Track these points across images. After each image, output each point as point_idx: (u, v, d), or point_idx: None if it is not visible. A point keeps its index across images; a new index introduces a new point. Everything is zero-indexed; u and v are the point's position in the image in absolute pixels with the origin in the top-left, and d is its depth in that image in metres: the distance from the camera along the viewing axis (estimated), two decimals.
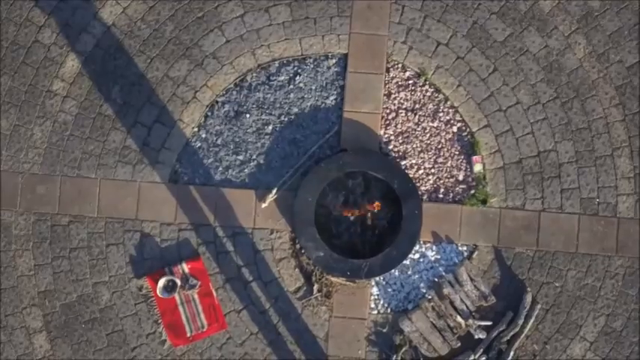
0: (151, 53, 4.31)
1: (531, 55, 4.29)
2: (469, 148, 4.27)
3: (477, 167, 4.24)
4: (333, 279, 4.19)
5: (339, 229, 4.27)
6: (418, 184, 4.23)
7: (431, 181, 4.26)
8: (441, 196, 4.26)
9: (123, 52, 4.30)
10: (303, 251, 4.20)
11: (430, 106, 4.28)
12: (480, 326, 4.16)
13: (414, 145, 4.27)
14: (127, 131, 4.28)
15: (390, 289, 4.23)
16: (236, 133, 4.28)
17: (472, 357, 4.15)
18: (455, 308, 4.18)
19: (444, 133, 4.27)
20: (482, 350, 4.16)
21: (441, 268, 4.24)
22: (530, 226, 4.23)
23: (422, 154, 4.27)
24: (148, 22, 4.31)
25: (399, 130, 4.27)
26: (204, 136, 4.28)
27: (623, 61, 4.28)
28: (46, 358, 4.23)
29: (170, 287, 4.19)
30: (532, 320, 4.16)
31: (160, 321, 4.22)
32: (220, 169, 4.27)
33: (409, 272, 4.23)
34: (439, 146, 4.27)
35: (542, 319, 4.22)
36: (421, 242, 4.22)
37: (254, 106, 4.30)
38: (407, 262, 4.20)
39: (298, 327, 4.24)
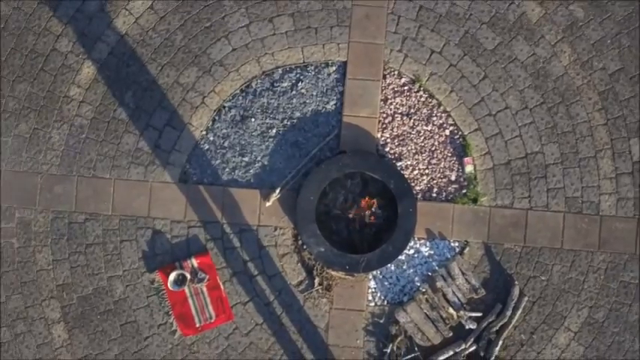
0: (162, 61, 4.57)
1: (519, 63, 4.56)
2: (461, 150, 4.54)
3: (468, 168, 4.51)
4: (333, 273, 4.46)
5: (338, 226, 4.54)
6: (413, 184, 4.49)
7: (425, 181, 4.53)
8: (434, 195, 4.53)
9: (135, 59, 4.57)
10: (304, 247, 4.47)
11: (424, 110, 4.54)
12: (470, 317, 4.43)
13: (409, 148, 4.53)
14: (140, 134, 4.55)
15: (386, 283, 4.50)
16: (242, 136, 4.55)
17: (463, 346, 4.43)
18: (447, 300, 4.45)
19: (437, 136, 4.54)
20: (472, 340, 4.44)
21: (434, 263, 4.51)
22: (518, 223, 4.50)
23: (416, 156, 4.54)
24: (159, 32, 4.57)
25: (395, 134, 4.54)
26: (212, 138, 4.55)
27: (606, 69, 4.54)
28: (64, 347, 4.51)
29: (180, 281, 4.47)
30: (519, 312, 4.43)
31: (170, 312, 4.49)
32: (227, 169, 4.54)
33: (404, 267, 4.50)
34: (433, 148, 4.54)
35: (529, 311, 4.49)
36: (415, 239, 4.49)
37: (259, 110, 4.56)
38: (402, 257, 4.47)
39: (300, 318, 4.51)
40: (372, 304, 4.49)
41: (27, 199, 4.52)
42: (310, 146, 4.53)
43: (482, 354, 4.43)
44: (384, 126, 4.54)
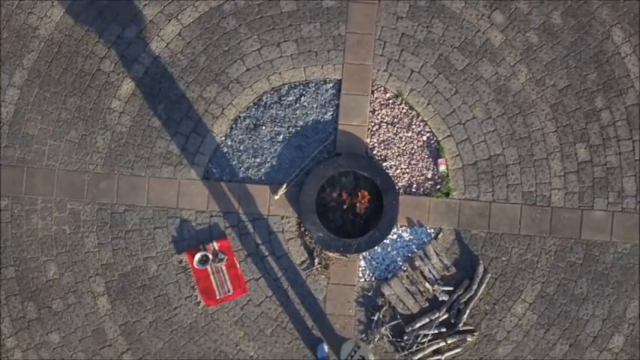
0: (188, 79, 5.50)
1: (484, 80, 5.48)
2: (435, 152, 5.45)
3: (442, 168, 5.44)
4: (330, 254, 5.38)
5: (334, 215, 5.45)
6: (396, 181, 5.41)
7: (406, 179, 5.45)
8: (413, 190, 5.45)
9: (166, 77, 5.50)
10: (306, 233, 5.40)
11: (405, 120, 5.47)
12: (443, 291, 5.36)
13: (393, 151, 5.46)
14: (170, 139, 5.48)
15: (373, 262, 5.43)
16: (254, 141, 5.48)
17: (437, 314, 5.35)
18: (424, 277, 5.38)
19: (416, 141, 5.46)
20: (445, 309, 5.36)
21: (413, 246, 5.43)
22: (483, 213, 5.43)
23: (399, 158, 5.46)
24: (186, 55, 5.50)
25: (381, 139, 5.46)
26: (229, 143, 5.48)
27: (556, 85, 5.47)
28: (107, 315, 5.45)
29: (204, 260, 5.39)
30: (484, 286, 5.36)
31: (195, 287, 5.42)
32: (242, 169, 5.47)
33: (389, 249, 5.43)
34: (412, 151, 5.46)
35: (492, 286, 5.41)
36: (398, 226, 5.41)
37: (268, 120, 5.49)
38: (387, 241, 5.39)
39: (303, 292, 5.44)
40: (362, 279, 5.42)
41: (76, 193, 5.45)
42: (311, 149, 5.45)
43: (452, 321, 5.36)
44: (372, 133, 5.46)
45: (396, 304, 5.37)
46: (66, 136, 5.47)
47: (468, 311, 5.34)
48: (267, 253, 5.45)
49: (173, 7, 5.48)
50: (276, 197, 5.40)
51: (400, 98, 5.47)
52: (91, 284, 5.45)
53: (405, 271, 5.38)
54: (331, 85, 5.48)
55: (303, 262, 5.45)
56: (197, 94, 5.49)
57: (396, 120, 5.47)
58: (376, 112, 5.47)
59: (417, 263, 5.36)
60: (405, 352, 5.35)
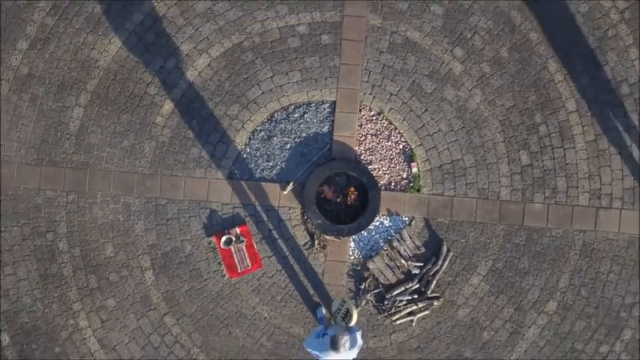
0: (216, 100, 7.01)
1: (447, 101, 6.99)
2: (409, 158, 6.95)
3: (414, 169, 6.94)
4: (327, 237, 6.87)
5: (330, 207, 6.94)
6: (378, 180, 6.90)
7: (386, 178, 6.95)
8: (392, 187, 6.95)
9: (198, 99, 7.01)
10: (308, 220, 6.89)
11: (386, 132, 6.97)
12: (415, 265, 6.85)
13: (376, 156, 6.95)
14: (201, 147, 6.98)
15: (361, 243, 6.92)
16: (267, 148, 6.98)
17: (410, 284, 6.85)
18: (400, 255, 6.88)
19: (394, 149, 6.96)
20: (416, 280, 6.85)
21: (392, 231, 6.93)
22: (446, 205, 6.92)
23: (381, 162, 6.96)
24: (214, 81, 7.01)
25: (367, 147, 6.96)
26: (248, 150, 6.98)
27: (504, 105, 6.97)
28: (152, 285, 6.94)
29: (228, 242, 6.88)
30: (447, 262, 6.85)
31: (221, 262, 6.91)
32: (258, 170, 6.97)
33: (372, 233, 6.92)
34: (391, 157, 6.96)
35: (453, 262, 6.91)
36: (380, 215, 6.91)
37: (278, 132, 6.99)
38: (371, 227, 6.87)
39: (305, 267, 6.94)
40: (352, 257, 6.92)
41: (128, 189, 6.96)
42: (312, 155, 6.95)
43: (422, 289, 6.86)
44: (360, 142, 6.97)
45: (378, 276, 6.87)
46: (120, 144, 6.98)
47: (434, 282, 6.84)
48: (277, 237, 6.95)
49: (204, 44, 6.99)
50: (285, 193, 6.90)
51: (382, 115, 6.97)
52: (139, 261, 6.96)
53: (385, 250, 6.88)
54: (328, 105, 6.98)
55: (305, 243, 6.94)
56: (223, 112, 7.00)
57: (378, 132, 6.97)
58: (363, 126, 6.97)
59: (395, 244, 6.86)
60: (385, 314, 6.86)
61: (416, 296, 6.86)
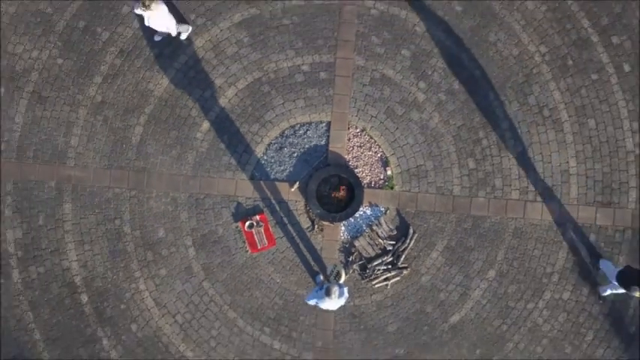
0: (241, 120, 9.39)
1: (414, 122, 9.35)
2: (385, 163, 9.32)
3: (389, 172, 9.31)
4: (324, 222, 9.24)
5: (326, 200, 9.32)
6: (362, 180, 9.28)
7: (368, 179, 9.32)
8: (372, 185, 9.32)
9: (229, 120, 9.38)
10: (310, 210, 9.26)
11: (368, 144, 9.34)
12: (389, 243, 9.21)
13: (361, 162, 9.32)
14: (231, 156, 9.35)
15: (349, 227, 9.28)
16: (280, 157, 9.34)
17: (386, 257, 9.20)
18: (378, 235, 9.24)
19: (374, 157, 9.33)
20: (390, 254, 9.20)
21: (372, 218, 9.29)
22: (413, 199, 9.29)
23: (364, 167, 9.33)
24: (240, 106, 9.38)
25: (354, 156, 9.33)
26: (265, 158, 9.34)
27: (456, 124, 9.34)
28: (194, 258, 9.30)
29: (250, 226, 9.24)
30: (413, 241, 9.21)
31: (245, 241, 9.27)
32: (272, 173, 9.34)
33: (358, 219, 9.28)
34: (372, 163, 9.33)
35: (418, 241, 9.27)
36: (363, 206, 9.27)
37: (287, 144, 9.36)
38: (357, 215, 9.24)
39: (308, 244, 9.30)
40: (342, 237, 9.28)
41: (175, 187, 9.33)
42: (313, 162, 9.32)
43: (395, 261, 9.22)
44: (348, 152, 9.34)
45: (361, 251, 9.23)
46: (169, 153, 9.35)
47: (403, 256, 9.19)
48: (287, 222, 9.31)
49: (232, 79, 9.38)
50: (292, 189, 9.26)
51: (364, 132, 9.34)
52: (183, 240, 9.32)
53: (367, 232, 9.24)
54: (324, 124, 9.35)
55: (308, 227, 9.30)
56: (246, 129, 9.37)
57: (362, 144, 9.34)
58: (350, 140, 9.34)
59: (374, 227, 9.23)
60: (367, 280, 9.21)
61: (390, 266, 9.22)
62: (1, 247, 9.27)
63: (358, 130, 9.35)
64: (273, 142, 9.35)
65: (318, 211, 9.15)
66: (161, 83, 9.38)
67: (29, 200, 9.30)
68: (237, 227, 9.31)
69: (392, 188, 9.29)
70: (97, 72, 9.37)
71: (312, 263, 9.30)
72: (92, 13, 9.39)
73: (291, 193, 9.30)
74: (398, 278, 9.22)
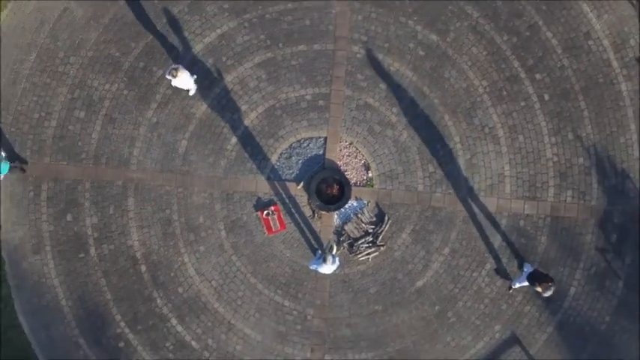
0: (260, 136, 12.58)
1: (388, 137, 12.56)
2: (367, 168, 12.53)
3: (370, 174, 12.52)
4: (322, 212, 12.45)
5: (324, 195, 12.52)
6: (350, 180, 12.49)
7: (354, 179, 12.52)
8: (357, 184, 12.52)
9: (251, 136, 12.59)
10: (311, 202, 12.47)
11: (354, 154, 12.54)
12: (370, 227, 12.41)
13: (349, 167, 12.53)
14: (252, 162, 12.56)
15: (340, 215, 12.48)
16: (289, 163, 12.55)
17: (368, 237, 12.40)
18: (362, 221, 12.44)
19: (359, 163, 12.53)
20: (371, 235, 12.40)
21: (357, 208, 12.50)
22: (388, 194, 12.49)
23: (352, 170, 12.53)
24: (260, 125, 12.59)
25: (344, 162, 12.54)
26: (278, 164, 12.56)
27: (420, 139, 12.55)
28: (225, 239, 12.49)
29: (267, 214, 12.43)
30: (387, 226, 12.40)
31: (263, 226, 12.46)
32: (283, 175, 12.55)
33: (347, 209, 12.48)
34: (357, 168, 12.53)
35: (392, 226, 12.47)
36: (352, 199, 12.49)
37: (295, 154, 12.57)
38: (346, 206, 12.45)
39: (310, 228, 12.49)
40: (335, 223, 12.50)
41: (211, 185, 12.55)
42: (313, 166, 12.55)
43: (374, 241, 12.41)
44: (340, 159, 12.55)
45: (350, 233, 12.45)
46: (207, 160, 12.59)
47: (381, 236, 12.40)
48: (294, 212, 12.52)
49: (254, 105, 12.61)
50: (298, 187, 12.49)
51: (352, 145, 12.57)
52: (217, 225, 12.54)
53: (353, 219, 12.46)
54: (322, 139, 12.59)
55: (309, 215, 12.52)
56: (264, 142, 12.60)
57: (350, 154, 12.57)
58: (341, 151, 12.57)
59: (359, 215, 12.45)
60: (353, 254, 12.41)
61: (371, 244, 12.40)
62: (81, 230, 12.50)
63: (347, 143, 12.57)
64: (283, 152, 12.57)
65: (317, 203, 12.35)
66: (201, 108, 12.62)
67: (102, 195, 12.54)
68: (257, 215, 12.52)
69: (372, 186, 12.49)
70: (153, 100, 12.62)
71: (313, 242, 12.50)
72: (149, 56, 12.66)
73: (297, 190, 12.51)
74: (376, 253, 12.41)
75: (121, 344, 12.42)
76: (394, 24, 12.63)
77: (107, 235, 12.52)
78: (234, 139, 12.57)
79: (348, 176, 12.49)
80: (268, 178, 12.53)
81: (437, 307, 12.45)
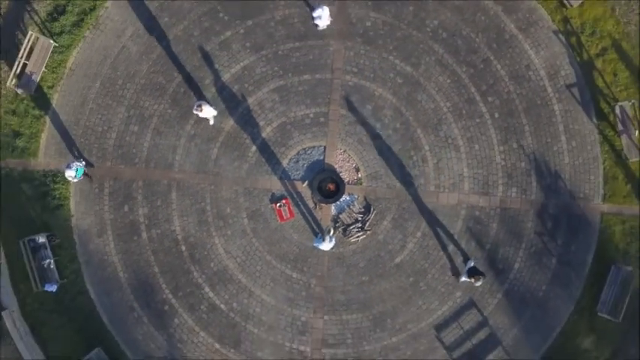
0: (275, 146, 16.18)
1: (374, 146, 16.17)
2: (357, 170, 16.16)
3: (359, 175, 16.14)
4: (322, 204, 16.07)
5: (324, 191, 16.14)
6: (344, 179, 16.10)
7: (347, 179, 16.11)
8: (350, 183, 16.14)
9: (268, 146, 16.23)
10: (314, 197, 16.09)
11: (347, 159, 16.15)
12: (360, 216, 16.03)
13: (343, 169, 16.12)
14: (268, 166, 16.17)
15: (336, 207, 16.08)
16: (296, 166, 16.17)
17: (357, 224, 16.01)
18: (353, 211, 16.07)
19: (351, 166, 16.12)
20: (360, 222, 16.01)
21: (350, 201, 16.11)
22: (374, 190, 16.09)
23: (345, 172, 16.12)
24: (274, 137, 16.22)
25: (339, 165, 16.14)
26: (288, 167, 16.15)
27: (398, 148, 16.18)
28: (247, 225, 16.09)
29: (280, 206, 16.03)
30: (373, 215, 16.00)
31: (276, 214, 16.07)
32: (292, 175, 16.16)
33: (342, 202, 16.11)
34: (349, 170, 16.14)
35: (376, 215, 16.07)
36: (345, 194, 16.10)
37: (301, 159, 16.18)
38: (341, 200, 16.07)
39: (312, 216, 16.10)
40: (332, 212, 16.12)
41: (237, 184, 16.17)
42: (315, 169, 16.18)
43: (362, 226, 16.02)
44: (336, 163, 16.19)
45: (344, 220, 16.10)
46: (233, 164, 16.23)
47: (367, 223, 16.03)
48: (300, 204, 16.15)
49: (269, 121, 16.26)
50: (304, 185, 16.13)
51: (345, 152, 16.21)
52: (241, 214, 16.17)
53: (346, 209, 16.10)
54: (322, 147, 16.23)
55: (312, 207, 16.15)
56: (277, 150, 16.24)
57: (344, 160, 16.21)
58: (337, 157, 16.22)
59: (351, 207, 16.09)
60: (346, 237, 16.03)
61: (360, 229, 16.02)
62: (135, 218, 16.13)
63: (342, 151, 16.22)
64: (292, 157, 16.21)
65: (319, 197, 15.99)
66: (228, 123, 16.28)
67: (151, 191, 16.18)
68: (271, 207, 16.14)
69: (361, 184, 16.13)
70: (190, 117, 16.28)
71: (315, 227, 16.13)
72: (188, 83, 16.33)
73: (303, 187, 16.15)
74: (364, 236, 16.02)
75: (166, 307, 16.01)
76: (378, 58, 16.31)
77: (155, 222, 16.14)
78: (254, 148, 16.21)
79: (342, 176, 16.11)
80: (280, 178, 16.16)
81: (411, 279, 16.04)
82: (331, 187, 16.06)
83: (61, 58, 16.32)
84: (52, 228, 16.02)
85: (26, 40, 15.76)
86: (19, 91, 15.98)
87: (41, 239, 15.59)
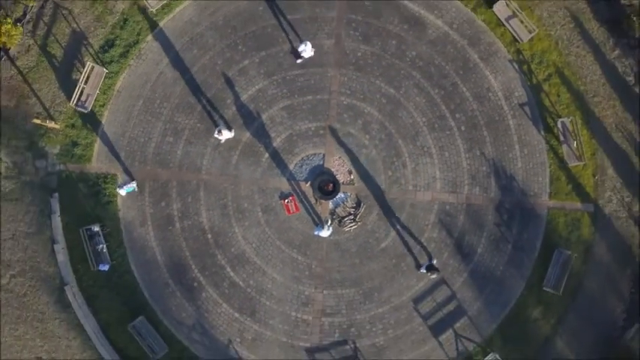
0: (284, 153, 20.01)
1: (363, 154, 19.98)
2: (350, 173, 19.94)
3: (352, 177, 19.97)
4: (322, 200, 19.84)
5: (323, 190, 19.92)
6: (339, 180, 19.87)
7: (342, 180, 19.89)
8: (344, 183, 19.92)
9: (278, 153, 20.04)
10: (315, 194, 19.85)
11: (343, 164, 19.95)
12: (352, 210, 19.81)
13: (339, 172, 19.91)
14: (277, 169, 19.96)
15: (333, 202, 19.88)
16: (301, 169, 19.96)
17: (350, 216, 19.79)
18: (347, 206, 19.86)
19: (345, 170, 19.93)
20: (352, 215, 19.78)
21: (344, 198, 19.90)
22: (363, 189, 19.85)
23: (341, 174, 19.89)
24: (283, 146, 20.04)
25: (336, 169, 19.92)
26: (294, 170, 19.93)
27: (383, 155, 19.98)
28: (261, 217, 19.87)
29: (287, 202, 19.83)
30: (363, 209, 19.78)
31: (284, 209, 19.86)
32: (297, 177, 19.95)
33: (337, 199, 19.88)
34: (344, 172, 19.91)
35: (366, 209, 19.84)
36: (340, 192, 19.87)
37: (304, 163, 19.96)
38: (337, 197, 19.85)
39: (314, 210, 19.83)
40: (330, 207, 19.91)
41: (253, 184, 19.96)
42: (316, 172, 19.97)
43: (354, 219, 19.81)
44: (333, 167, 19.99)
45: (339, 213, 19.90)
46: (249, 168, 20.03)
47: (358, 216, 19.81)
48: (304, 200, 19.95)
49: (279, 133, 20.08)
50: (307, 185, 19.93)
51: (341, 158, 20.01)
52: (256, 208, 19.95)
53: (341, 205, 19.91)
54: (321, 155, 20.03)
55: (314, 202, 19.94)
56: (285, 157, 20.04)
57: (340, 165, 20.01)
58: (334, 162, 20.03)
59: (345, 202, 19.90)
60: (341, 227, 19.82)
61: (352, 221, 19.81)
62: (170, 212, 19.93)
63: (337, 157, 20.04)
64: (297, 162, 20.04)
65: (319, 195, 19.81)
66: (245, 136, 20.11)
67: (184, 190, 20.01)
68: (281, 203, 19.94)
69: (353, 184, 19.95)
70: (214, 131, 20.11)
71: (316, 219, 19.92)
72: (214, 103, 20.18)
73: (306, 187, 19.96)
74: (356, 226, 19.82)
75: (195, 284, 19.78)
76: (367, 82, 20.17)
77: (186, 215, 19.94)
78: (266, 155, 20.03)
79: (338, 178, 19.93)
80: (288, 179, 19.98)
81: (394, 261, 19.82)
82: (329, 186, 19.85)
83: (111, 82, 20.18)
84: (103, 219, 19.81)
85: (85, 69, 19.61)
86: (79, 109, 19.83)
87: (96, 228, 19.38)
